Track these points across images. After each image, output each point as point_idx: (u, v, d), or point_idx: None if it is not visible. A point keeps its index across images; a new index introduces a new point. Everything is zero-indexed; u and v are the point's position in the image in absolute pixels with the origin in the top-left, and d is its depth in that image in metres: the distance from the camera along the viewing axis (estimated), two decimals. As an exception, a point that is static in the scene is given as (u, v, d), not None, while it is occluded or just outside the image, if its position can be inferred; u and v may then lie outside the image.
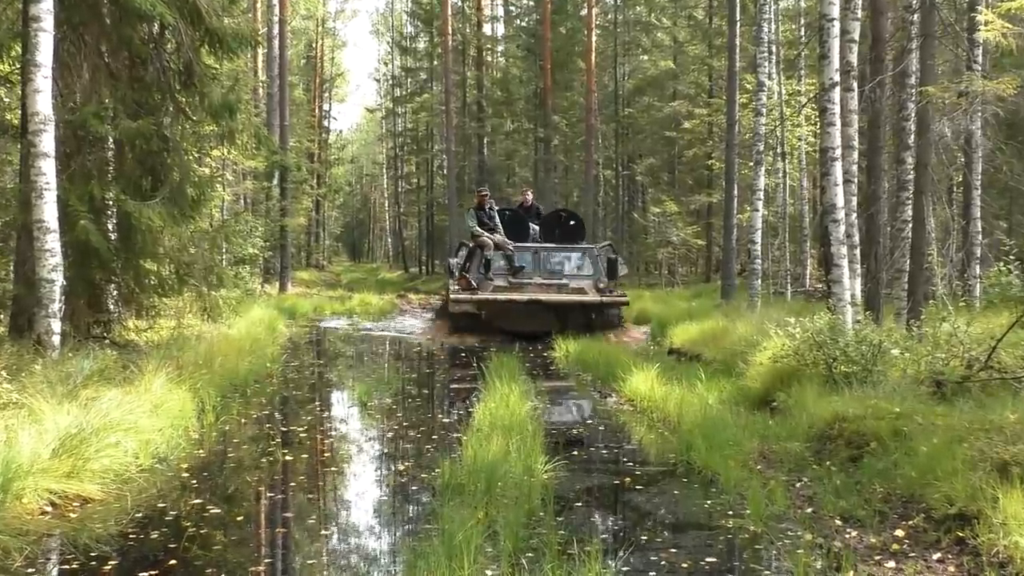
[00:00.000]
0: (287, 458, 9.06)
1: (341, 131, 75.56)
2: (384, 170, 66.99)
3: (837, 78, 13.03)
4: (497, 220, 20.99)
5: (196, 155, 16.51)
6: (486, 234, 20.48)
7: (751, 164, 22.80)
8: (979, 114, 17.19)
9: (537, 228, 22.20)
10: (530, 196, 24.05)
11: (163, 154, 14.01)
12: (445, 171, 44.20)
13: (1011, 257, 10.58)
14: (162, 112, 14.49)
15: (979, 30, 13.96)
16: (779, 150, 26.19)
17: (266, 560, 6.06)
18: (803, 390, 10.11)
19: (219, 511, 6.99)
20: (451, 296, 19.91)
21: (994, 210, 24.89)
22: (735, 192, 24.44)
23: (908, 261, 15.81)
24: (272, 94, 33.88)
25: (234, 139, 15.48)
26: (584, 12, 39.84)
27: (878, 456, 7.50)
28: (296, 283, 36.14)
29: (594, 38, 38.57)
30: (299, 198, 43.41)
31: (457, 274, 20.35)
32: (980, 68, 15.85)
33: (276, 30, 34.00)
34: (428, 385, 14.77)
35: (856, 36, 13.93)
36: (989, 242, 22.43)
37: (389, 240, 71.27)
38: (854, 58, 13.83)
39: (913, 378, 10.10)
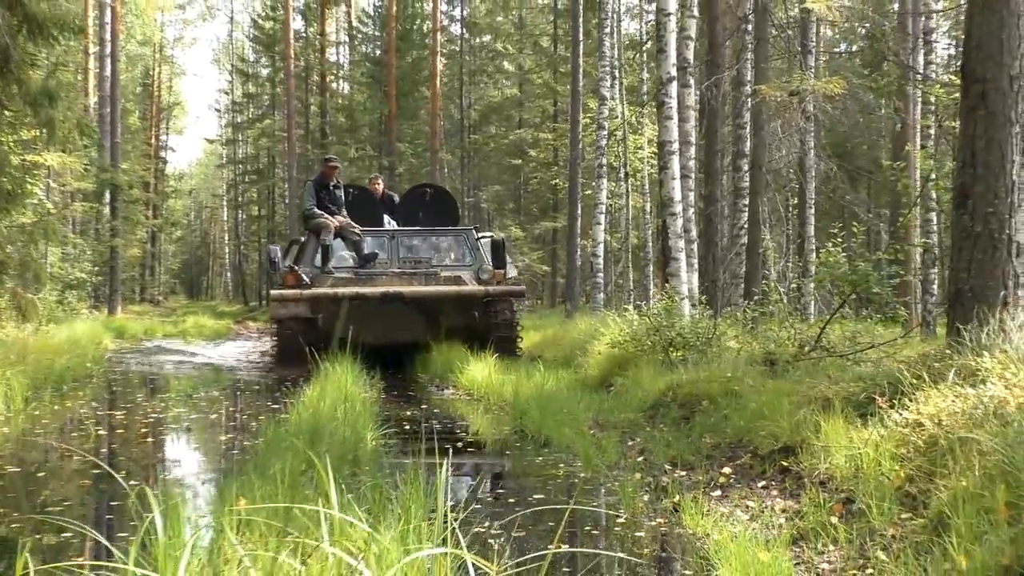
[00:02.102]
0: (101, 432, 8.41)
1: (179, 166, 73.73)
2: (224, 200, 65.32)
3: (674, 73, 13.06)
4: (341, 201, 15.35)
5: (12, 146, 15.51)
6: (326, 215, 14.74)
7: (594, 183, 22.86)
8: (811, 128, 17.59)
9: (392, 222, 16.53)
10: (380, 186, 17.49)
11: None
12: (287, 200, 43.27)
13: (839, 240, 10.71)
14: (-27, 99, 13.61)
15: (812, 27, 14.18)
16: (621, 172, 26.34)
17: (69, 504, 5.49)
18: (640, 372, 9.97)
19: (19, 470, 6.38)
20: (272, 295, 14.04)
21: (827, 233, 25.56)
22: (578, 212, 24.45)
23: (745, 264, 15.95)
24: (104, 114, 32.62)
25: (54, 129, 14.55)
26: (429, 40, 39.72)
27: (709, 413, 7.42)
28: (128, 312, 34.65)
29: (439, 66, 38.44)
30: (133, 228, 41.84)
31: (282, 268, 14.50)
32: (811, 70, 16.17)
33: (108, 49, 32.81)
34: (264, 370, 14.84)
35: (692, 34, 14.02)
36: (819, 262, 23.02)
37: (229, 275, 69.39)
38: (690, 55, 13.90)
39: (747, 359, 10.07)
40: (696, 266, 14.03)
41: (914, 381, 5.92)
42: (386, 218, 16.51)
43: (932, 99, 14.26)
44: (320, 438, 6.43)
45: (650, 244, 28.18)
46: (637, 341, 11.20)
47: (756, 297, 13.34)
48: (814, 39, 17.51)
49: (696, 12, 14.25)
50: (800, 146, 18.54)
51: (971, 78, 6.58)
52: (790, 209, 24.33)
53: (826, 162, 22.58)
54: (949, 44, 34.30)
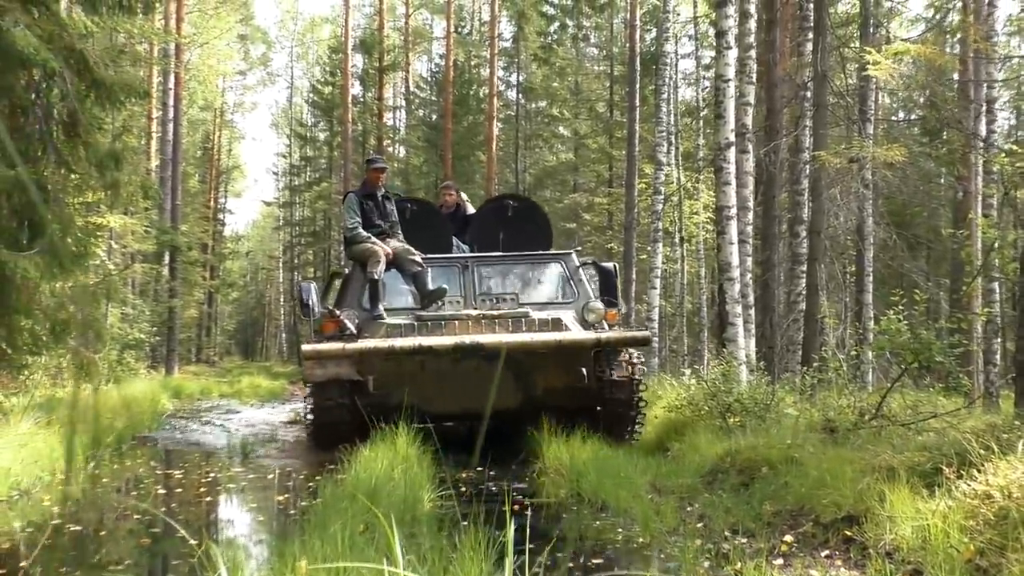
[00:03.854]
0: (160, 491, 8.47)
1: (237, 226, 74.71)
2: (280, 262, 66.10)
3: (732, 138, 13.12)
4: (395, 216, 11.64)
5: (78, 208, 15.86)
6: (374, 239, 11.07)
7: (648, 249, 22.89)
8: (870, 196, 17.53)
9: (465, 247, 12.76)
10: (454, 196, 13.63)
11: (42, 205, 13.40)
12: (342, 261, 43.76)
13: (900, 308, 10.66)
14: (43, 162, 13.94)
15: (870, 98, 14.21)
16: (676, 237, 26.37)
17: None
18: (697, 437, 9.89)
19: (79, 528, 6.44)
20: (305, 352, 9.92)
21: (886, 301, 25.35)
22: (633, 276, 24.48)
23: (803, 330, 15.83)
24: (165, 176, 33.29)
25: (119, 191, 14.86)
26: (485, 105, 40.20)
27: (769, 480, 7.32)
28: (184, 372, 35.01)
29: (495, 130, 38.86)
30: (191, 289, 42.44)
31: (318, 312, 10.71)
32: (870, 138, 16.15)
33: (171, 113, 33.55)
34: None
35: (751, 100, 14.11)
36: (879, 329, 22.81)
37: (283, 336, 69.99)
38: (748, 121, 13.98)
39: (806, 426, 10.00)
40: (753, 332, 13.92)
41: (982, 452, 5.84)
42: (456, 241, 12.83)
43: (995, 168, 14.16)
44: (378, 499, 6.44)
45: (704, 310, 28.10)
46: (694, 406, 11.13)
47: (815, 364, 13.22)
48: (873, 106, 17.47)
49: (754, 78, 14.32)
50: (859, 213, 18.45)
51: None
52: (848, 277, 24.16)
53: (885, 229, 22.44)
54: (1011, 114, 34.14)
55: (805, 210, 16.36)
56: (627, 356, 10.67)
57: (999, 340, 15.80)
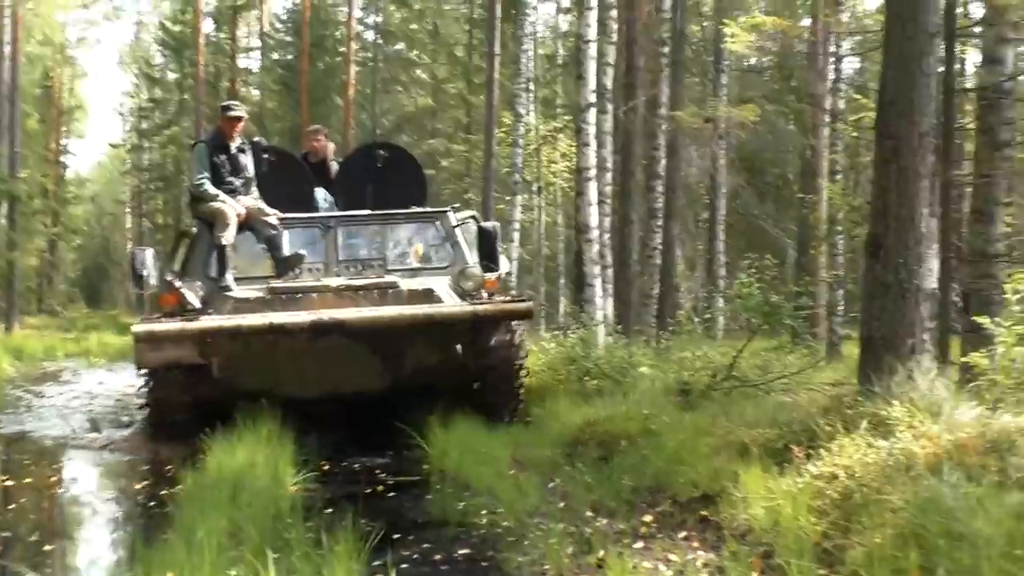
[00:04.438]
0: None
1: (80, 169, 71.46)
2: (128, 209, 63.90)
3: (593, 99, 13.23)
4: (251, 171, 10.12)
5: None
6: (224, 197, 9.60)
7: (507, 198, 22.96)
8: (723, 147, 17.96)
9: (330, 198, 11.28)
10: (324, 142, 11.92)
11: None
12: (196, 206, 42.57)
13: (753, 270, 11.00)
14: None
15: (725, 57, 14.51)
16: (535, 186, 26.50)
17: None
18: (556, 402, 10.02)
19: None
20: (137, 331, 8.38)
21: (737, 248, 26.12)
22: (492, 225, 24.50)
23: (658, 286, 16.19)
24: (1, 120, 31.72)
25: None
26: (343, 48, 39.48)
27: (628, 453, 7.50)
28: (26, 327, 33.62)
29: (353, 73, 38.25)
30: (31, 238, 40.72)
31: (157, 283, 9.48)
32: (725, 97, 16.52)
33: (7, 49, 31.90)
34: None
35: (611, 60, 14.24)
36: (731, 278, 23.56)
37: (131, 285, 67.66)
38: (609, 81, 14.10)
39: (662, 389, 10.27)
40: (611, 291, 14.19)
41: (828, 428, 6.12)
42: (320, 195, 11.21)
43: (841, 136, 14.69)
44: (241, 487, 6.40)
45: (562, 256, 28.44)
46: (553, 370, 11.31)
47: (670, 326, 13.61)
48: (728, 58, 17.81)
49: (615, 38, 14.45)
50: (712, 164, 18.92)
51: (885, 133, 6.80)
52: (700, 225, 24.78)
53: (735, 177, 23.05)
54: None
55: (661, 165, 16.66)
56: (507, 328, 9.44)
57: (842, 292, 16.44)
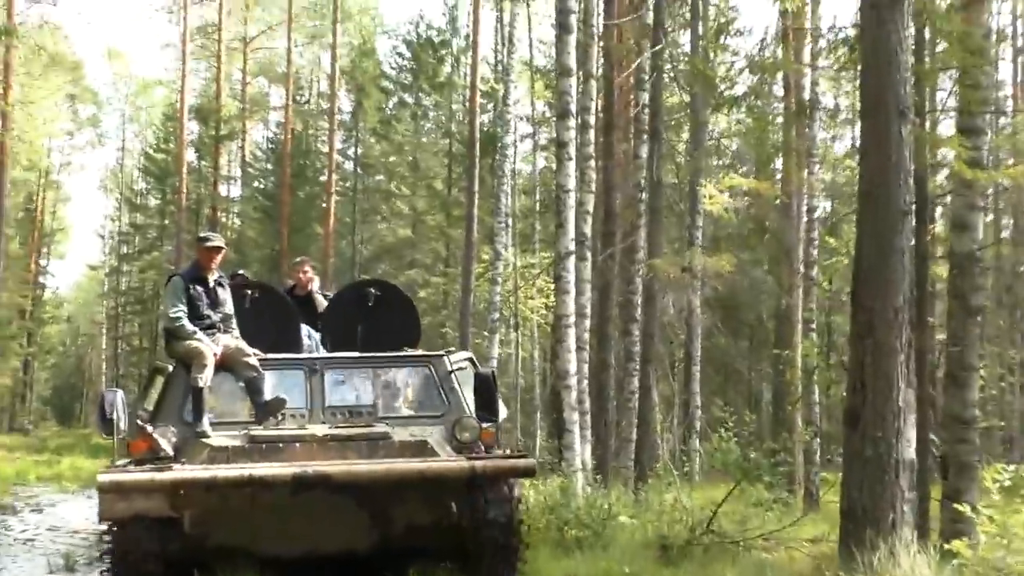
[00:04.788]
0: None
1: (58, 288, 71.06)
2: (104, 330, 63.51)
3: (572, 247, 13.39)
4: (230, 306, 9.51)
5: None
6: (201, 335, 8.98)
7: (485, 333, 23.07)
8: (699, 291, 18.18)
9: (315, 335, 10.64)
10: (310, 274, 11.44)
11: None
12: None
13: (730, 424, 11.11)
14: None
15: (701, 203, 14.83)
16: (512, 321, 26.67)
17: None
18: (536, 553, 9.91)
19: None
20: (103, 481, 7.91)
21: (712, 386, 26.27)
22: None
23: (635, 430, 16.19)
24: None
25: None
26: (324, 178, 40.03)
27: None
28: (-3, 446, 33.21)
29: (333, 203, 38.71)
30: (7, 356, 40.48)
31: (127, 427, 8.82)
32: (700, 245, 16.81)
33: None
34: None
35: (590, 208, 14.49)
36: (707, 417, 23.65)
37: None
38: (588, 229, 14.32)
39: (641, 542, 10.20)
40: (589, 437, 14.19)
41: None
42: (305, 332, 10.57)
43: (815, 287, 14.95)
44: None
45: (537, 389, 28.46)
46: (532, 520, 11.22)
47: (648, 470, 13.61)
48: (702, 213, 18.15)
49: (593, 188, 14.73)
50: (687, 307, 19.08)
51: (860, 306, 6.96)
52: (676, 364, 24.87)
53: (710, 317, 23.25)
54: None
55: (639, 310, 16.82)
56: (507, 485, 8.55)
57: (818, 440, 16.48)
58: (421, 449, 8.34)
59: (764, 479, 10.62)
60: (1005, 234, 25.80)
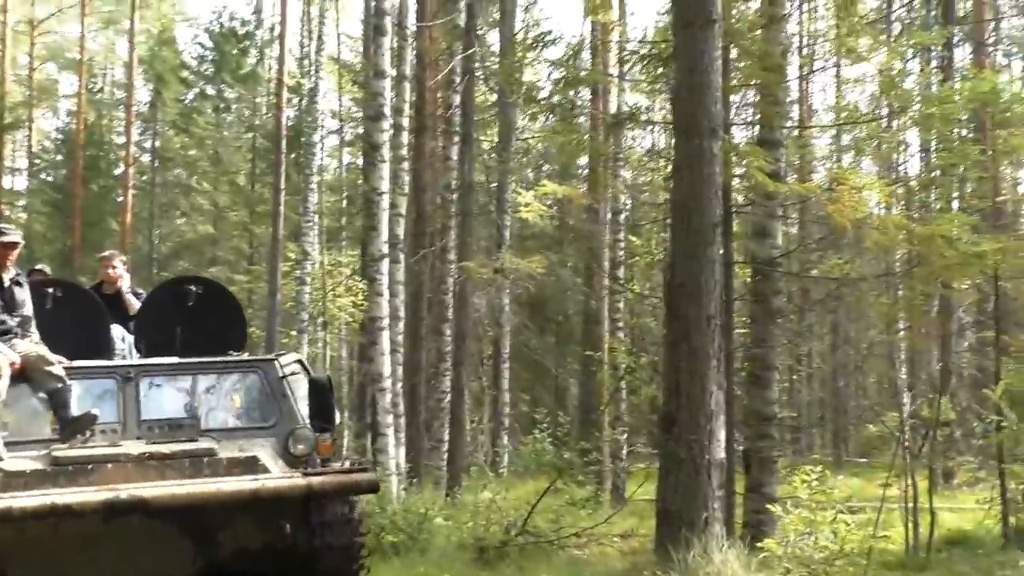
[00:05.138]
0: None
1: None
2: None
3: (385, 250, 13.40)
4: (29, 307, 8.37)
5: None
6: None
7: (293, 333, 22.78)
8: (507, 291, 18.50)
9: (129, 339, 9.54)
10: (120, 269, 10.07)
11: None
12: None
13: (544, 425, 11.41)
14: None
15: (515, 211, 15.08)
16: (320, 320, 26.38)
17: None
18: (349, 563, 9.93)
19: None
20: None
21: (520, 383, 26.73)
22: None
23: (448, 430, 16.33)
24: None
25: None
26: (120, 170, 38.57)
27: None
28: None
29: (131, 197, 37.35)
30: None
31: None
32: (509, 247, 17.09)
33: None
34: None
35: (403, 210, 14.51)
36: (515, 414, 24.05)
37: None
38: (401, 231, 14.35)
39: (457, 544, 10.36)
40: (403, 440, 14.24)
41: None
42: (117, 334, 9.49)
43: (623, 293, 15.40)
44: None
45: (346, 388, 28.26)
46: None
47: (461, 470, 13.78)
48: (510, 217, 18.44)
49: (407, 189, 14.77)
50: (496, 306, 19.39)
51: (675, 315, 7.27)
52: (484, 360, 25.16)
53: (517, 314, 23.65)
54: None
55: (450, 310, 16.97)
56: (346, 503, 7.74)
57: (624, 437, 17.01)
58: (251, 465, 7.37)
59: (578, 478, 10.97)
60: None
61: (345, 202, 32.78)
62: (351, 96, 33.93)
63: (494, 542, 10.05)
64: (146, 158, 42.58)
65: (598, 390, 17.60)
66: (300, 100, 33.06)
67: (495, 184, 19.11)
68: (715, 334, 7.17)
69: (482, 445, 19.81)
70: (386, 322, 13.29)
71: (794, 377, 24.88)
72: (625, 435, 16.00)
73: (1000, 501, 9.83)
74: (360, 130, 34.06)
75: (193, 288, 9.39)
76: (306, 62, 31.69)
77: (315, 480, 7.18)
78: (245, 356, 9.11)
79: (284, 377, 8.42)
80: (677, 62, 7.37)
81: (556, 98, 12.98)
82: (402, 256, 14.48)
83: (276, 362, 8.57)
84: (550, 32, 19.51)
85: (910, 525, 9.82)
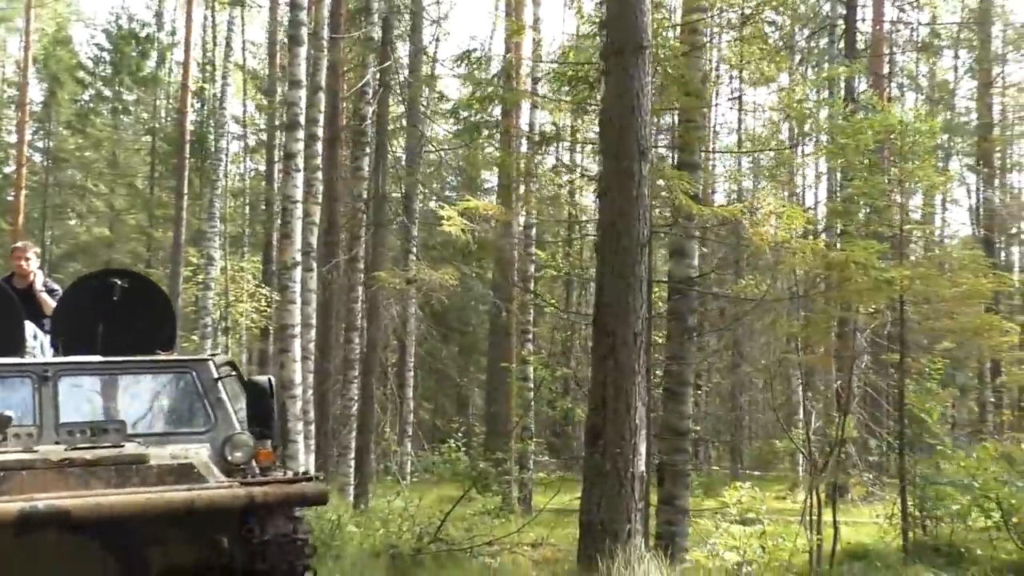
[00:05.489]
0: None
1: None
2: None
3: (299, 258, 13.39)
4: None
5: None
6: None
7: (194, 338, 22.52)
8: (413, 300, 18.59)
9: (42, 337, 8.80)
10: (33, 262, 9.78)
11: None
12: None
13: (459, 435, 11.56)
14: None
15: (425, 222, 15.23)
16: (223, 325, 26.11)
17: None
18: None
19: None
20: None
21: (424, 391, 26.81)
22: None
23: (355, 438, 16.35)
24: None
25: None
26: (11, 169, 37.56)
27: None
28: None
29: (23, 198, 36.41)
30: None
31: None
32: (417, 257, 17.20)
33: None
34: None
35: (316, 219, 14.51)
36: (417, 420, 24.15)
37: None
38: (314, 240, 14.35)
39: (370, 551, 10.42)
40: (312, 447, 14.23)
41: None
42: (30, 332, 8.74)
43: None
44: None
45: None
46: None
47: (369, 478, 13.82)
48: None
49: (320, 199, 14.77)
50: (403, 314, 19.45)
51: (602, 331, 7.47)
52: (388, 369, 25.19)
53: (423, 322, 23.75)
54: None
55: (359, 318, 16.99)
56: (289, 517, 6.90)
57: (532, 447, 17.23)
58: (185, 474, 6.55)
59: (492, 487, 11.15)
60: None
61: (248, 208, 32.43)
62: (256, 102, 33.64)
63: (407, 549, 10.15)
64: (38, 158, 41.54)
65: (507, 401, 17.80)
66: (203, 105, 32.69)
67: (401, 195, 19.21)
68: (641, 351, 7.39)
69: (386, 453, 19.80)
70: (298, 329, 13.28)
71: (697, 393, 25.48)
72: (532, 445, 16.19)
73: (901, 516, 10.25)
74: (264, 137, 33.94)
75: (118, 282, 8.58)
76: (209, 67, 31.42)
77: (257, 490, 6.40)
78: (176, 356, 8.44)
79: (219, 379, 7.66)
80: (608, 86, 7.58)
81: (477, 116, 13.15)
82: (315, 264, 14.47)
83: (210, 363, 7.86)
84: (475, 50, 19.41)
85: (814, 538, 10.19)
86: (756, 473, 23.70)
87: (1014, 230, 32.13)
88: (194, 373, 7.64)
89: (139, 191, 37.61)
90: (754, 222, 9.45)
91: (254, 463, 7.00)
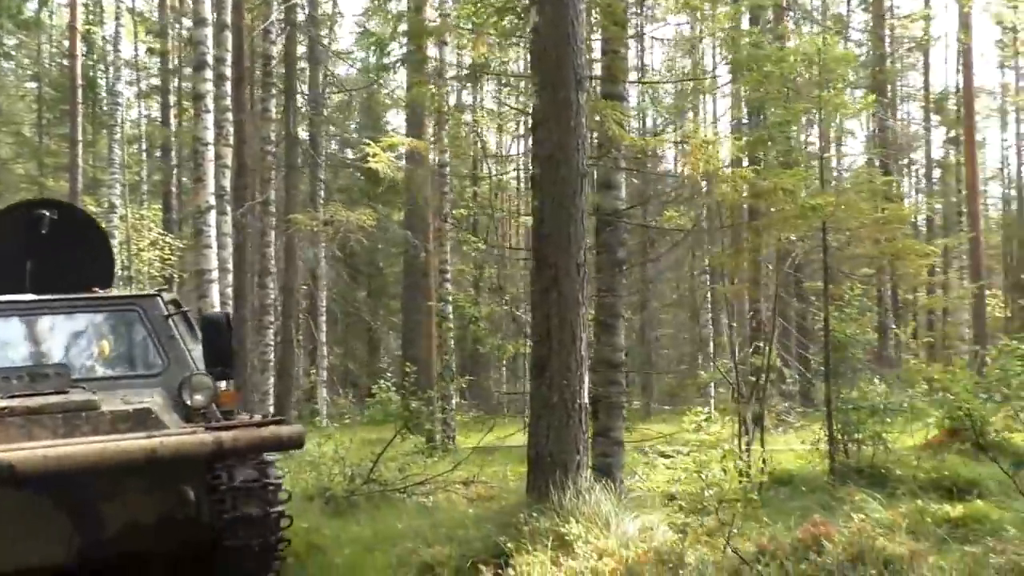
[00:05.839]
0: None
1: None
2: None
3: (213, 201, 13.07)
4: None
5: None
6: None
7: (96, 289, 21.90)
8: (323, 244, 18.35)
9: None
10: None
11: None
12: None
13: (388, 375, 11.49)
14: None
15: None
16: (126, 275, 25.44)
17: None
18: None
19: None
20: None
21: (335, 334, 26.59)
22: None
23: (274, 383, 16.17)
24: None
25: None
26: None
27: (295, 571, 7.22)
28: None
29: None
30: None
31: None
32: (326, 198, 16.92)
33: None
34: None
35: (229, 162, 14.17)
36: (331, 365, 23.98)
37: None
38: (227, 183, 14.02)
39: (304, 495, 10.33)
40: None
41: (511, 546, 6.47)
42: None
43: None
44: None
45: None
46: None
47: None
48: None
49: (231, 140, 14.41)
50: (313, 256, 19.21)
51: (544, 263, 7.40)
52: (301, 312, 24.94)
53: (335, 267, 23.52)
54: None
55: (272, 262, 16.72)
56: (258, 462, 6.33)
57: (454, 386, 17.19)
58: (142, 420, 5.94)
59: (426, 427, 11.14)
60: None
61: (145, 155, 31.51)
62: (148, 45, 32.58)
63: (341, 492, 10.11)
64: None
65: (426, 341, 17.70)
66: (90, 49, 31.53)
67: (308, 135, 18.88)
68: (584, 281, 7.36)
69: (308, 397, 19.64)
70: (215, 275, 13.00)
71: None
72: (458, 384, 16.15)
73: (828, 440, 10.47)
74: (158, 81, 32.95)
75: (47, 213, 7.96)
76: (97, 10, 30.28)
77: (226, 435, 5.78)
78: (121, 292, 7.96)
79: (170, 316, 7.08)
80: (541, 15, 7.44)
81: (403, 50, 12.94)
82: (228, 208, 14.15)
83: (158, 298, 7.24)
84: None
85: (742, 464, 10.37)
86: (667, 408, 24.08)
87: (905, 160, 33.12)
88: (141, 310, 7.03)
89: (27, 139, 36.23)
90: (684, 152, 9.49)
91: (215, 406, 6.47)
